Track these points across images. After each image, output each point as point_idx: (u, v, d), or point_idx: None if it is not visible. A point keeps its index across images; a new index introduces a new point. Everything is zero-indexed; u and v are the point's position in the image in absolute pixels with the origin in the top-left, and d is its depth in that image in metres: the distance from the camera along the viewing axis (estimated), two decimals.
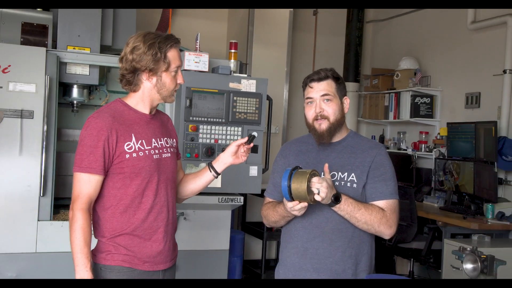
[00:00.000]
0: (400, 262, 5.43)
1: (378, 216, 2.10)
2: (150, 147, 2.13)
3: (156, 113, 2.25)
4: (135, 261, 2.10)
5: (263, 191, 4.73)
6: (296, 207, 2.02)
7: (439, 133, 5.30)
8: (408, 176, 5.28)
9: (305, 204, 2.01)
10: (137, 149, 2.09)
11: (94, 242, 2.16)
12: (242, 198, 3.91)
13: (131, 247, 2.09)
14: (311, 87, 2.22)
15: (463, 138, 4.80)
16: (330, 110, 2.19)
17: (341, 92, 2.23)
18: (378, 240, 2.28)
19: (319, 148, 2.25)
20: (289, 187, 1.98)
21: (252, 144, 2.30)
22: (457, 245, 3.45)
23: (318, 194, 1.97)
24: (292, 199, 2.00)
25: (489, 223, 4.22)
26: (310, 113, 2.22)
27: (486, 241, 4.09)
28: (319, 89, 2.20)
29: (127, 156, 2.07)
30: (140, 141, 2.11)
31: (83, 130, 2.08)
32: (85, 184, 2.04)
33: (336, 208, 2.05)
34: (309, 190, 1.97)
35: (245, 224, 5.56)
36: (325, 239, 2.16)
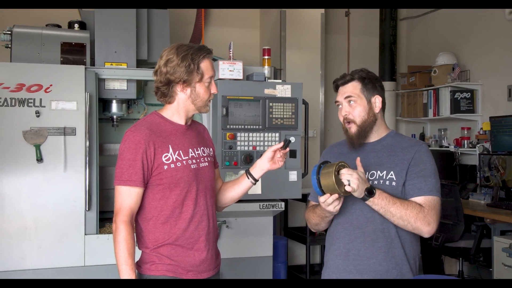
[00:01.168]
0: (449, 262, 5.30)
1: (414, 211, 2.04)
2: (187, 157, 2.16)
3: (192, 124, 2.29)
4: (179, 271, 2.12)
5: (304, 195, 4.74)
6: (328, 200, 2.01)
7: (481, 128, 5.16)
8: (452, 174, 5.16)
9: (336, 196, 1.99)
10: (174, 160, 2.12)
11: (138, 253, 2.20)
12: (283, 203, 3.90)
13: (174, 256, 2.12)
14: (338, 91, 2.28)
15: (508, 131, 4.67)
16: (355, 112, 2.20)
17: (369, 92, 2.21)
18: (424, 240, 2.25)
19: (358, 149, 2.24)
20: (318, 180, 1.98)
21: (288, 149, 2.30)
22: (507, 242, 3.35)
23: (349, 185, 1.96)
24: (323, 192, 2.00)
25: None
26: (340, 116, 2.27)
27: None
28: (343, 92, 2.24)
29: (165, 167, 2.10)
30: (177, 151, 2.14)
31: (122, 144, 2.13)
32: (126, 197, 2.08)
33: (370, 202, 2.03)
34: (339, 182, 1.96)
35: (287, 230, 5.54)
36: (366, 240, 2.14)
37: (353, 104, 2.20)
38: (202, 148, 2.26)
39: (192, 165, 2.17)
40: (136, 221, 2.17)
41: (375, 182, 2.14)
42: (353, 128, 2.20)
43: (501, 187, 4.69)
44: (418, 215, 2.04)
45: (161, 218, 2.12)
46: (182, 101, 2.19)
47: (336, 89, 2.29)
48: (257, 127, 3.82)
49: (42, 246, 3.44)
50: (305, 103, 4.11)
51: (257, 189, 3.76)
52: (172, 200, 2.12)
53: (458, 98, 5.32)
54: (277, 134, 3.86)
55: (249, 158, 3.78)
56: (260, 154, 3.82)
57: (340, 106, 2.25)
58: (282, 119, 3.87)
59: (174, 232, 2.12)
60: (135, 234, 2.17)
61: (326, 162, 2.04)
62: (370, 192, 2.01)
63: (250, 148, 3.82)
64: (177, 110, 2.20)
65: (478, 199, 4.86)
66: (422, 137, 5.94)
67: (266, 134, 3.85)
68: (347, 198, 2.15)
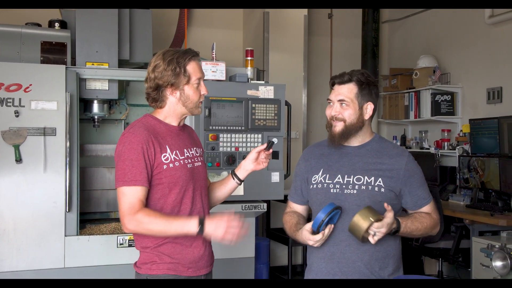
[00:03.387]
0: (428, 262, 5.36)
1: (430, 224, 2.19)
2: (183, 157, 2.21)
3: (184, 125, 2.33)
4: (180, 268, 2.16)
5: (286, 196, 4.74)
6: (316, 237, 2.06)
7: (461, 130, 5.23)
8: (432, 175, 5.21)
9: (326, 236, 2.07)
10: (173, 160, 2.16)
11: (136, 253, 2.22)
12: (265, 204, 3.91)
13: (174, 254, 2.15)
14: (333, 89, 2.26)
15: (487, 134, 4.73)
16: (346, 114, 2.20)
17: (363, 98, 2.21)
18: (405, 240, 2.28)
19: (341, 151, 2.25)
20: (323, 221, 2.01)
21: (271, 150, 2.34)
22: (485, 243, 3.39)
23: (373, 236, 2.01)
24: (317, 232, 2.04)
25: None
26: (327, 113, 2.26)
27: None
28: (338, 93, 2.23)
29: (165, 167, 2.13)
30: (174, 151, 2.18)
31: (121, 146, 2.12)
32: (132, 195, 2.07)
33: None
34: (366, 230, 2.00)
35: (269, 231, 5.55)
36: (352, 243, 2.15)
37: (345, 106, 2.21)
38: (194, 148, 2.31)
39: (188, 165, 2.21)
40: None
41: (363, 187, 2.16)
42: (338, 127, 2.21)
43: (480, 188, 4.75)
44: (433, 225, 2.21)
45: None
46: (173, 105, 2.22)
47: (332, 85, 2.28)
48: (239, 128, 3.82)
49: (21, 247, 3.39)
50: (287, 104, 4.12)
51: (239, 190, 3.76)
52: (171, 199, 2.15)
53: (439, 101, 5.38)
54: (260, 135, 3.86)
55: (232, 159, 3.78)
56: (242, 155, 3.84)
57: (331, 104, 2.25)
58: (265, 120, 3.87)
59: None
60: (133, 234, 2.20)
61: (339, 208, 2.07)
62: (396, 231, 2.08)
63: (233, 149, 3.81)
64: (169, 114, 2.24)
65: (457, 200, 4.92)
66: (404, 139, 5.99)
67: (248, 135, 3.85)
68: (331, 200, 2.17)
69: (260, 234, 5.55)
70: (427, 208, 2.24)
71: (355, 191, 2.16)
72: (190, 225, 2.04)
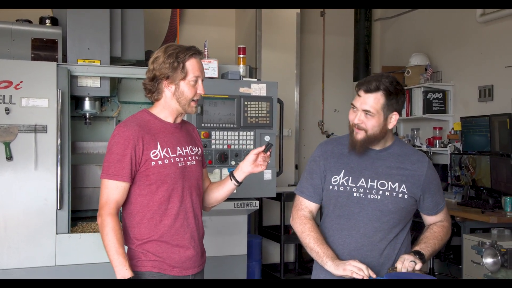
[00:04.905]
0: None
1: (446, 236, 2.24)
2: (175, 155, 2.19)
3: (182, 123, 2.32)
4: (164, 267, 2.15)
5: (278, 194, 4.75)
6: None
7: (453, 128, 5.25)
8: None
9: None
10: (162, 157, 2.15)
11: None
12: (257, 202, 3.91)
13: (159, 253, 2.15)
14: (359, 95, 2.13)
15: (478, 132, 4.76)
16: (369, 124, 2.11)
17: (390, 108, 2.10)
18: None
19: (362, 153, 2.19)
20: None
21: (269, 153, 2.32)
22: (476, 240, 3.41)
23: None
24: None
25: (508, 216, 4.16)
26: (350, 119, 2.17)
27: (506, 235, 4.05)
28: (364, 102, 2.10)
29: (153, 163, 2.13)
30: (165, 149, 2.17)
31: (111, 139, 2.15)
32: (112, 191, 2.10)
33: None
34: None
35: (262, 228, 5.55)
36: (373, 249, 2.13)
37: (369, 117, 2.11)
38: (190, 147, 2.29)
39: (179, 163, 2.20)
40: (121, 216, 2.19)
41: (387, 193, 2.13)
42: (360, 135, 2.13)
43: (471, 186, 4.78)
44: (448, 235, 2.26)
45: (147, 214, 2.15)
46: (168, 99, 2.22)
47: (357, 89, 2.16)
48: (232, 125, 3.81)
49: (12, 245, 3.37)
50: (280, 102, 4.12)
51: (235, 189, 3.75)
52: (158, 196, 2.15)
53: (431, 99, 5.40)
54: (252, 133, 3.86)
55: (224, 157, 3.77)
56: (235, 152, 3.84)
57: (355, 110, 2.14)
58: (257, 117, 3.87)
59: (159, 228, 2.15)
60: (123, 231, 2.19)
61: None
62: (423, 262, 2.07)
63: (225, 146, 3.81)
64: (164, 107, 2.23)
65: (449, 198, 4.94)
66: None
67: (241, 133, 3.84)
68: (353, 203, 2.14)
69: (252, 231, 5.55)
70: (442, 213, 2.27)
71: (378, 197, 2.13)
72: (123, 270, 2.03)
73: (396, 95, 2.10)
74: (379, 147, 2.20)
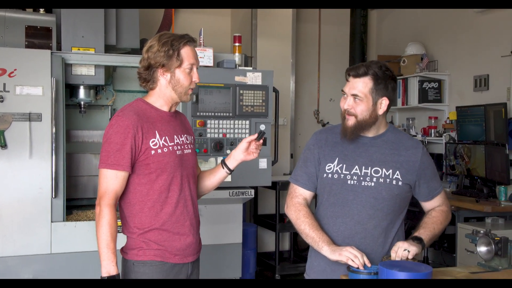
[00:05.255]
0: None
1: (446, 220, 2.23)
2: (173, 144, 2.20)
3: (175, 112, 2.32)
4: (166, 255, 2.16)
5: (273, 183, 4.76)
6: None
7: (448, 118, 5.26)
8: None
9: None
10: (161, 145, 2.15)
11: (121, 238, 2.21)
12: (252, 191, 3.92)
13: (161, 241, 2.15)
14: (348, 81, 2.16)
15: (473, 121, 4.77)
16: (358, 109, 2.12)
17: (378, 93, 2.10)
18: None
19: (357, 141, 2.20)
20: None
21: (262, 141, 2.34)
22: (470, 229, 3.43)
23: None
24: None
25: (502, 205, 4.18)
26: (341, 105, 2.18)
27: (500, 224, 4.07)
28: (352, 87, 2.12)
29: (153, 152, 2.13)
30: (163, 137, 2.17)
31: (109, 128, 2.12)
32: (111, 180, 2.09)
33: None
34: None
35: (257, 217, 5.56)
36: (367, 236, 2.14)
37: (358, 101, 2.12)
38: (185, 135, 2.29)
39: (177, 151, 2.20)
40: (120, 205, 2.19)
41: (381, 180, 2.13)
42: (350, 121, 2.14)
43: (465, 175, 4.80)
44: (448, 219, 2.26)
45: (148, 203, 2.15)
46: (163, 87, 2.21)
47: (347, 77, 2.18)
48: (227, 114, 3.81)
49: (7, 233, 3.38)
50: (275, 91, 4.11)
51: (227, 177, 3.76)
52: (158, 185, 2.15)
53: (426, 88, 5.40)
54: (248, 122, 3.86)
55: (219, 146, 3.77)
56: (230, 141, 3.84)
57: (345, 96, 2.16)
58: (253, 106, 3.86)
59: (161, 217, 2.16)
60: (121, 219, 2.20)
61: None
62: (422, 246, 2.07)
63: (220, 135, 3.81)
64: (159, 96, 2.22)
65: (443, 187, 4.95)
66: None
67: (236, 122, 3.84)
68: (347, 191, 2.15)
69: (247, 220, 5.56)
70: (439, 198, 2.26)
71: (372, 184, 2.13)
72: (109, 266, 2.04)
73: (385, 80, 2.11)
74: (372, 134, 2.20)
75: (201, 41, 3.85)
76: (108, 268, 2.04)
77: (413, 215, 4.49)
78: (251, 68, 3.99)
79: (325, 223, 2.21)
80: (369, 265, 1.95)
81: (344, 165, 2.18)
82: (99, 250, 2.05)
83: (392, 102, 2.18)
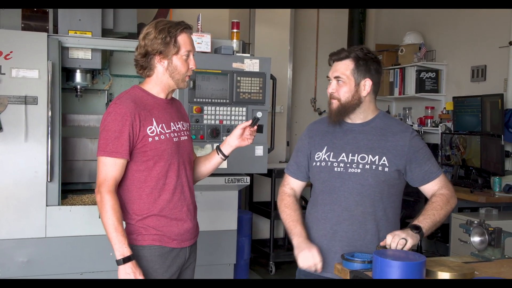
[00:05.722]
0: None
1: (448, 206, 2.14)
2: (170, 131, 2.21)
3: (172, 99, 2.33)
4: (165, 239, 2.19)
5: (269, 171, 4.76)
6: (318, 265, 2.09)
7: (445, 108, 5.26)
8: None
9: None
10: (158, 133, 2.16)
11: None
12: (248, 178, 3.92)
13: (159, 227, 2.18)
14: (331, 66, 2.22)
15: (469, 112, 4.78)
16: (341, 91, 2.16)
17: (360, 74, 2.15)
18: None
19: (345, 129, 2.22)
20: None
21: (256, 127, 2.36)
22: (464, 219, 3.45)
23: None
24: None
25: (497, 196, 4.21)
26: (328, 91, 2.23)
27: (494, 214, 4.10)
28: (335, 70, 2.19)
29: (150, 139, 2.14)
30: (160, 124, 2.18)
31: (107, 116, 2.13)
32: (111, 168, 2.10)
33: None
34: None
35: (252, 204, 5.58)
36: (354, 222, 2.15)
37: (341, 83, 2.16)
38: (181, 122, 2.31)
39: (174, 138, 2.22)
40: (118, 193, 2.18)
41: (367, 166, 2.13)
42: (334, 104, 2.18)
43: (461, 165, 4.82)
44: (450, 203, 2.15)
45: (146, 189, 2.16)
46: (160, 74, 2.21)
47: (331, 63, 2.24)
48: (224, 101, 3.80)
49: (2, 217, 3.37)
50: (273, 78, 4.10)
51: (223, 164, 3.74)
52: (156, 171, 2.16)
53: (424, 78, 5.40)
54: (245, 109, 3.85)
55: (216, 132, 3.77)
56: (227, 128, 3.83)
57: (330, 81, 2.22)
58: (250, 93, 3.85)
59: (159, 203, 2.18)
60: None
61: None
62: (421, 235, 2.03)
63: (217, 122, 3.80)
64: (156, 83, 2.23)
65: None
66: None
67: (233, 109, 3.83)
68: (335, 178, 2.16)
69: (242, 207, 5.58)
70: (437, 182, 2.18)
71: (359, 170, 2.14)
72: (122, 248, 2.04)
73: (366, 61, 2.15)
74: (360, 120, 2.22)
75: (199, 27, 3.83)
76: (122, 250, 2.05)
77: (408, 205, 4.52)
78: (248, 55, 3.97)
79: (315, 211, 2.25)
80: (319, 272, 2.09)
81: (332, 153, 2.21)
82: (108, 235, 2.06)
83: (377, 85, 2.21)
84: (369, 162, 2.14)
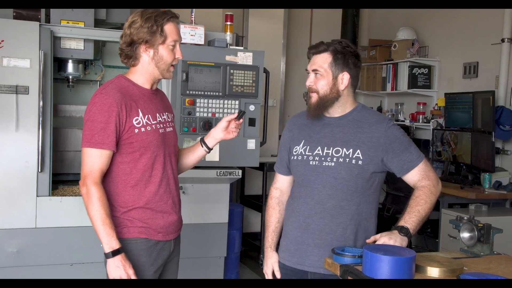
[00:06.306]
0: None
1: (432, 196, 2.10)
2: (155, 122, 2.18)
3: (156, 89, 2.29)
4: (151, 232, 2.16)
5: (261, 164, 4.76)
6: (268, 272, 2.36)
7: (436, 104, 5.29)
8: None
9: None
10: (144, 124, 2.13)
11: None
12: (240, 171, 3.92)
13: (145, 219, 2.15)
14: (310, 59, 2.23)
15: (461, 108, 4.80)
16: (319, 84, 2.16)
17: (338, 68, 2.15)
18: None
19: (323, 122, 2.23)
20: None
21: (241, 120, 2.35)
22: (454, 215, 3.47)
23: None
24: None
25: (486, 192, 4.24)
26: (306, 84, 2.23)
27: (483, 210, 4.13)
28: (313, 63, 2.19)
29: (136, 130, 2.11)
30: (146, 115, 2.15)
31: (92, 106, 2.08)
32: (96, 159, 2.06)
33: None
34: None
35: (243, 197, 5.59)
36: (326, 216, 2.16)
37: (319, 76, 2.16)
38: (166, 113, 2.28)
39: (160, 130, 2.19)
40: (102, 185, 2.14)
41: (340, 159, 2.13)
42: (313, 98, 2.18)
43: (451, 161, 4.85)
44: (433, 192, 2.11)
45: (131, 182, 2.13)
46: (146, 64, 2.17)
47: (310, 56, 2.24)
48: (217, 93, 3.79)
49: None
50: (266, 71, 4.09)
51: (215, 156, 3.76)
52: (142, 164, 2.13)
53: (416, 74, 5.42)
54: (237, 102, 3.84)
55: (208, 125, 3.76)
56: (219, 121, 3.81)
57: (309, 74, 2.22)
58: (243, 86, 3.85)
59: (144, 195, 2.15)
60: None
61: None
62: (409, 237, 2.01)
63: (209, 114, 3.79)
64: (141, 73, 2.19)
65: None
66: (380, 110, 6.04)
67: (226, 101, 3.83)
68: (310, 171, 2.18)
69: (234, 200, 5.58)
70: (416, 171, 2.14)
71: (332, 164, 2.14)
72: (111, 241, 2.01)
73: (344, 54, 2.15)
74: (338, 114, 2.22)
75: (193, 19, 3.81)
76: (110, 243, 2.01)
77: (398, 200, 4.55)
78: (242, 48, 3.96)
79: (292, 203, 2.28)
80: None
81: (308, 147, 2.22)
82: (96, 228, 2.02)
83: (355, 79, 2.20)
84: (343, 155, 2.14)
